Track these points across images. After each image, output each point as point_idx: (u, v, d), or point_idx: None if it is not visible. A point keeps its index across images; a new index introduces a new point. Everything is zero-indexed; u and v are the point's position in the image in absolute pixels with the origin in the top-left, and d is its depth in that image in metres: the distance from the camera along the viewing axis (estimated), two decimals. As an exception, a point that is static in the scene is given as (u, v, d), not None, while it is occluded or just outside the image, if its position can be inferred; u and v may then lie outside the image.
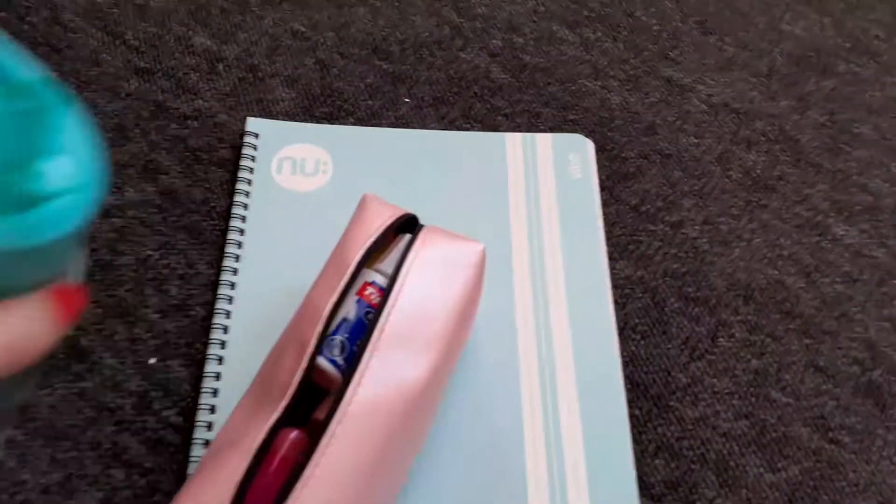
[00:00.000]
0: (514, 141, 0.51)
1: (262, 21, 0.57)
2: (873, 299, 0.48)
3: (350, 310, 0.37)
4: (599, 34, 0.59)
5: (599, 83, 0.56)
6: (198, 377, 0.42)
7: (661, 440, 0.43)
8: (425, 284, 0.37)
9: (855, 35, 0.62)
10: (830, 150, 0.55)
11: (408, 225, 0.40)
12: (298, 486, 0.30)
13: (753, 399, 0.44)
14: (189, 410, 0.42)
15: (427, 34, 0.58)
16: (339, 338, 0.36)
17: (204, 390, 0.41)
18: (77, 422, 0.41)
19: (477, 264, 0.38)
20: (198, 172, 0.49)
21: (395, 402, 0.33)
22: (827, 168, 0.54)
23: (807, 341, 0.46)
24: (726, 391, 0.44)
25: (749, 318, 0.47)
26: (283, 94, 0.53)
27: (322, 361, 0.35)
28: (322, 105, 0.53)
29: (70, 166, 0.21)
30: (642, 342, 0.46)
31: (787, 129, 0.56)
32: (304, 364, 0.33)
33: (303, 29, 0.57)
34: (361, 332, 0.36)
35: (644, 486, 0.41)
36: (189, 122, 0.51)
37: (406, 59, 0.56)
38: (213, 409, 0.41)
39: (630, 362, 0.45)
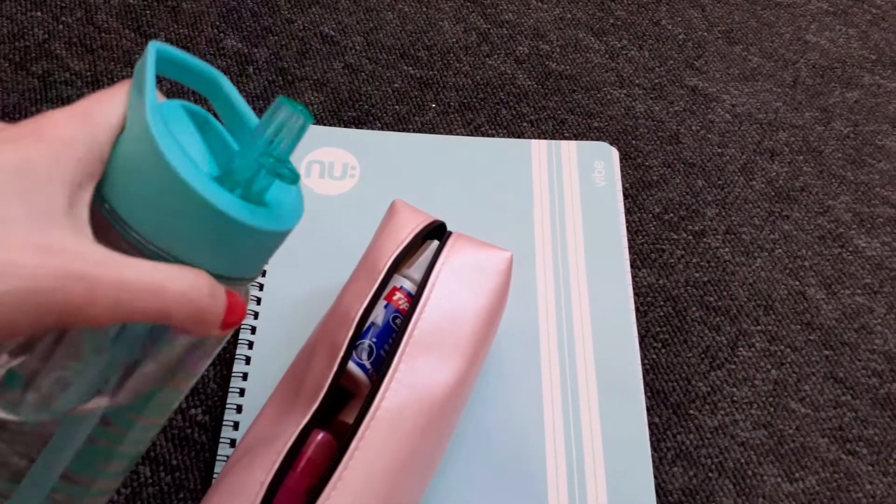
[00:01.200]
0: (539, 148, 0.52)
1: (291, 24, 0.58)
2: (894, 312, 0.48)
3: (378, 314, 0.38)
4: (625, 42, 0.60)
5: (624, 91, 0.57)
6: (225, 377, 0.43)
7: (680, 448, 0.43)
8: (453, 291, 0.37)
9: (881, 47, 0.62)
10: (853, 161, 0.55)
11: (436, 231, 0.41)
12: (328, 488, 0.31)
13: (772, 409, 0.45)
14: (215, 410, 0.42)
15: (454, 40, 0.58)
16: (367, 342, 0.37)
17: (231, 390, 0.42)
18: (108, 416, 0.42)
19: (504, 272, 0.39)
20: (227, 174, 0.50)
21: (423, 407, 0.34)
22: (850, 180, 0.54)
23: (826, 352, 0.47)
24: (745, 400, 0.45)
25: (769, 328, 0.47)
26: (312, 98, 0.54)
27: (351, 366, 0.36)
28: (350, 109, 0.54)
29: (293, 191, 0.29)
30: (663, 350, 0.46)
31: (811, 141, 0.56)
32: (335, 368, 0.34)
33: (332, 33, 0.57)
34: (389, 336, 0.37)
35: (662, 493, 0.42)
36: (219, 123, 0.52)
37: (433, 65, 0.57)
38: (239, 409, 0.42)
39: (651, 370, 0.45)
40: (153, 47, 0.25)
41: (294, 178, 0.26)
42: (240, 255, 0.26)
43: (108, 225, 0.25)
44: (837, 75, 0.60)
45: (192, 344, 0.28)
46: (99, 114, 0.24)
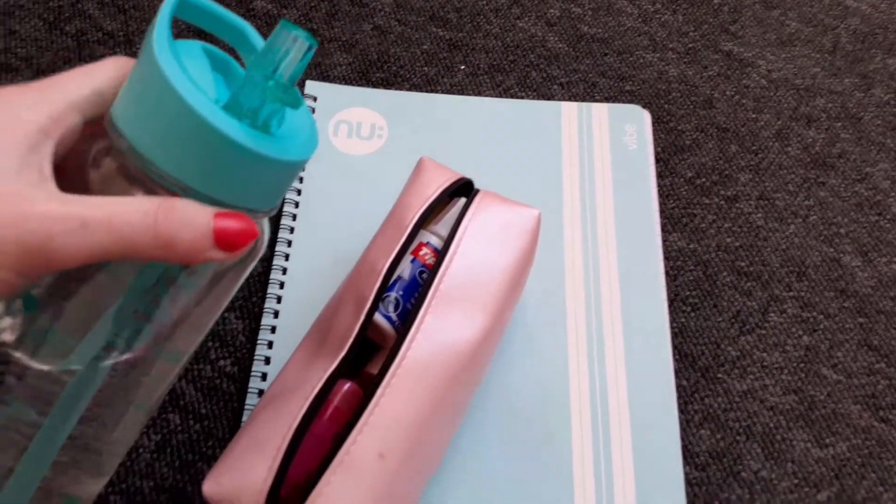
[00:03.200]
0: (569, 110, 0.51)
1: (321, -14, 0.57)
2: (932, 281, 0.47)
3: (405, 269, 0.38)
4: (658, 6, 0.59)
5: (657, 55, 0.56)
6: (253, 330, 0.44)
7: (708, 411, 0.43)
8: (480, 247, 0.37)
9: (924, 12, 0.60)
10: (894, 128, 0.54)
11: (463, 189, 0.41)
12: (353, 433, 0.31)
13: (803, 375, 0.44)
14: (244, 361, 0.43)
15: (485, 2, 0.58)
16: (393, 295, 0.37)
17: (259, 342, 0.43)
18: (138, 369, 0.43)
19: (532, 230, 0.39)
20: (257, 133, 0.50)
21: (448, 360, 0.34)
22: (890, 147, 0.53)
23: (861, 320, 0.46)
24: (776, 366, 0.44)
25: (802, 294, 0.47)
26: (341, 59, 0.54)
27: (377, 317, 0.36)
28: (378, 70, 0.54)
29: (306, 118, 0.29)
30: (692, 314, 0.46)
31: (850, 107, 0.54)
32: (361, 319, 0.34)
33: (361, -6, 0.57)
34: (415, 291, 0.37)
35: (688, 455, 0.41)
36: (249, 83, 0.52)
37: (463, 27, 0.56)
38: (267, 361, 0.42)
39: (679, 333, 0.45)
40: None
41: (296, 102, 0.26)
42: (249, 186, 0.26)
43: (124, 160, 0.25)
44: (879, 41, 0.58)
45: (209, 279, 0.28)
46: (64, 84, 0.25)
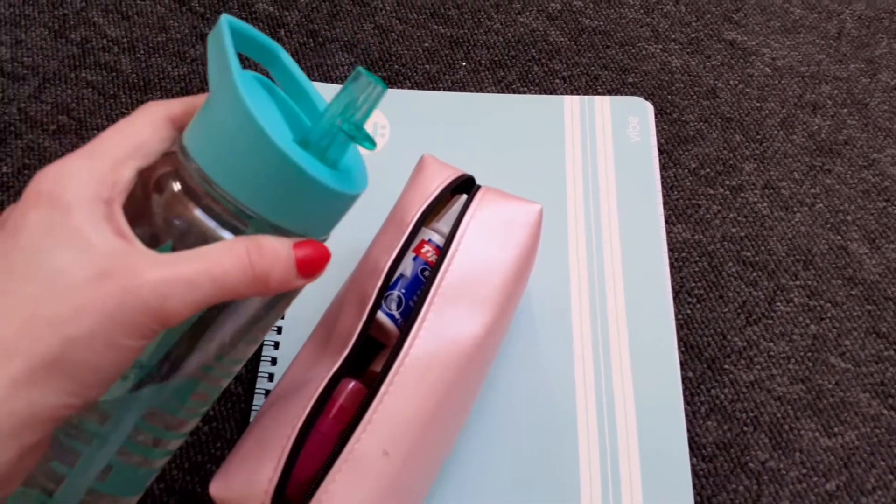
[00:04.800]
0: (572, 104, 0.51)
1: (322, -13, 0.58)
2: (941, 267, 0.47)
3: (407, 266, 0.38)
4: (660, -4, 0.58)
5: (660, 46, 0.56)
6: (261, 331, 0.44)
7: (714, 402, 0.43)
8: (482, 243, 0.37)
9: (931, -6, 0.59)
10: (901, 113, 0.53)
11: (465, 185, 0.41)
12: (357, 430, 0.32)
13: (811, 364, 0.44)
14: (251, 362, 0.43)
15: (485, -2, 0.58)
16: (396, 293, 0.37)
17: (266, 343, 0.43)
18: (149, 371, 0.43)
19: (534, 224, 0.39)
20: (261, 135, 0.51)
21: (451, 356, 0.34)
22: (896, 132, 0.52)
23: (869, 307, 0.46)
24: (783, 355, 0.44)
25: (809, 283, 0.46)
26: (343, 59, 0.54)
27: (380, 315, 0.36)
28: (380, 69, 0.54)
29: (357, 154, 0.31)
30: (698, 305, 0.45)
31: (856, 93, 0.54)
32: (364, 317, 0.34)
33: (362, -6, 0.57)
34: (417, 288, 0.37)
35: (695, 447, 0.41)
36: (252, 86, 0.53)
37: (464, 23, 0.56)
38: (273, 361, 0.43)
39: (685, 325, 0.45)
40: (226, 20, 0.27)
41: (372, 141, 0.28)
42: (313, 215, 0.28)
43: (202, 192, 0.27)
44: (885, 26, 0.58)
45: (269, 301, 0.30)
46: (105, 148, 0.26)
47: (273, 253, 0.26)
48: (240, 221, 0.27)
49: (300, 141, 0.28)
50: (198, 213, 0.27)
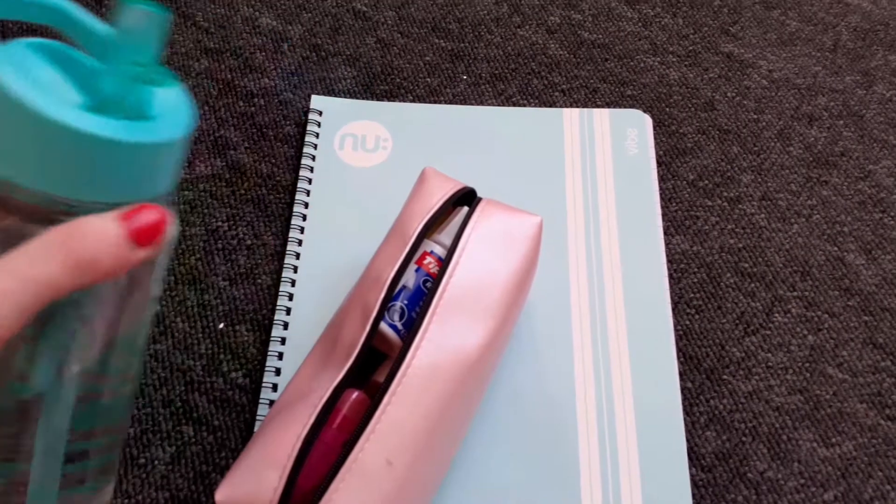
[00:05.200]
0: (571, 116, 0.52)
1: (324, 2, 0.58)
2: (937, 277, 0.47)
3: (409, 278, 0.38)
4: (658, 10, 0.59)
5: (658, 59, 0.56)
6: (264, 341, 0.45)
7: (713, 413, 0.43)
8: (483, 255, 0.38)
9: (926, 8, 0.60)
10: (896, 125, 0.54)
11: (466, 198, 0.42)
12: (361, 440, 0.32)
13: (808, 374, 0.44)
14: (255, 373, 0.44)
15: (486, 12, 0.58)
16: (398, 304, 0.38)
17: (270, 353, 0.44)
18: (151, 381, 0.44)
19: (534, 236, 0.39)
20: (264, 148, 0.51)
21: (453, 367, 0.35)
22: (892, 143, 0.53)
23: (865, 318, 0.46)
24: (780, 366, 0.44)
25: (806, 294, 0.47)
26: (345, 73, 0.55)
27: (383, 326, 0.37)
28: (382, 83, 0.54)
29: (178, 94, 0.27)
30: (697, 316, 0.46)
31: (852, 105, 0.55)
32: (367, 329, 0.35)
33: (364, 9, 0.58)
34: (420, 299, 0.38)
35: (694, 457, 0.42)
36: (256, 99, 0.53)
37: (465, 37, 0.57)
38: (278, 372, 0.43)
39: (684, 336, 0.45)
40: None
41: (164, 81, 0.25)
42: (139, 177, 0.25)
43: (5, 196, 0.24)
44: (880, 38, 0.58)
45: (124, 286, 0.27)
46: None
47: (96, 233, 0.23)
48: (61, 213, 0.24)
49: (96, 103, 0.24)
50: (9, 222, 0.24)
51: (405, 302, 0.38)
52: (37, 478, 0.28)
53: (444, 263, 0.37)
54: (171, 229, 0.26)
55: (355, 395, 0.36)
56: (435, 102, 0.54)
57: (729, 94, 0.55)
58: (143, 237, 0.24)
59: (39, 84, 0.23)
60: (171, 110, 0.26)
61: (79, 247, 0.23)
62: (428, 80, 0.55)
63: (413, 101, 0.54)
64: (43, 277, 0.22)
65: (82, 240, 0.23)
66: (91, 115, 0.23)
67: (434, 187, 0.40)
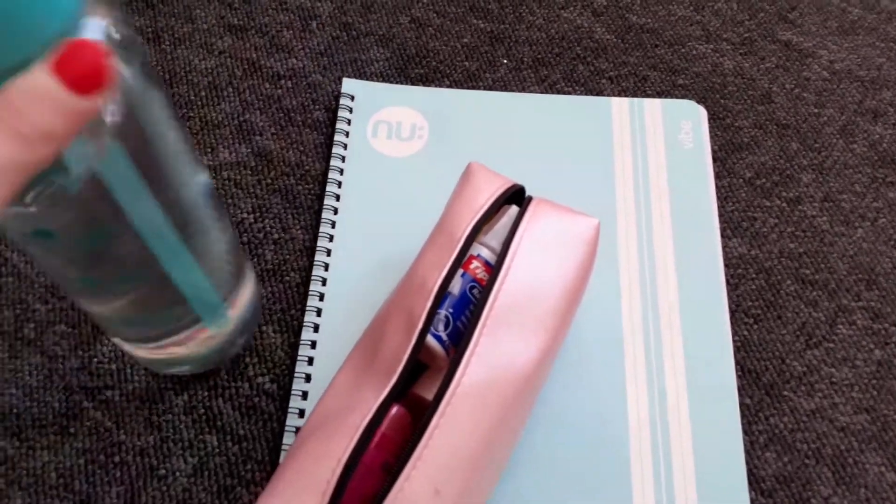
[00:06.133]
0: (620, 106, 0.49)
1: (356, -24, 0.55)
2: None
3: (454, 284, 0.35)
4: (711, -7, 0.55)
5: (711, 46, 0.53)
6: (293, 344, 0.42)
7: (774, 432, 0.40)
8: (535, 261, 0.35)
9: None
10: (966, 123, 0.50)
11: (515, 196, 0.38)
12: (408, 467, 0.29)
13: (875, 392, 0.41)
14: (283, 378, 0.41)
15: (527, -9, 0.55)
16: (443, 312, 0.35)
17: (300, 358, 0.41)
18: (172, 386, 0.41)
19: (590, 241, 0.36)
20: (292, 134, 0.48)
21: (505, 385, 0.32)
22: (962, 143, 0.49)
23: (936, 332, 0.43)
24: (845, 382, 0.41)
25: (872, 304, 0.44)
26: (378, 54, 0.51)
27: (428, 338, 0.34)
28: (417, 66, 0.51)
29: None
30: (755, 326, 0.43)
31: (918, 100, 0.51)
32: (413, 341, 0.32)
33: (398, -15, 0.54)
34: (465, 307, 0.35)
35: (754, 480, 0.39)
36: (283, 81, 0.50)
37: (505, 18, 0.53)
38: (308, 378, 0.40)
39: (742, 347, 0.42)
40: None
41: None
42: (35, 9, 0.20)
43: None
44: (948, 28, 0.55)
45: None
46: None
47: (31, 97, 0.20)
48: None
49: None
50: None
51: (450, 310, 0.35)
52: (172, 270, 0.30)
53: (493, 270, 0.34)
54: (113, 61, 0.21)
55: (395, 409, 0.33)
56: (473, 88, 0.50)
57: (787, 86, 0.51)
58: (86, 83, 0.20)
59: None
60: None
61: (18, 119, 0.19)
62: (466, 63, 0.51)
63: (450, 86, 0.50)
64: (2, 163, 0.19)
65: (19, 110, 0.19)
66: None
67: (481, 184, 0.37)
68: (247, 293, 0.39)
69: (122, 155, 0.25)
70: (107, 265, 0.29)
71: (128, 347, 0.37)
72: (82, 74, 0.20)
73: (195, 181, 0.31)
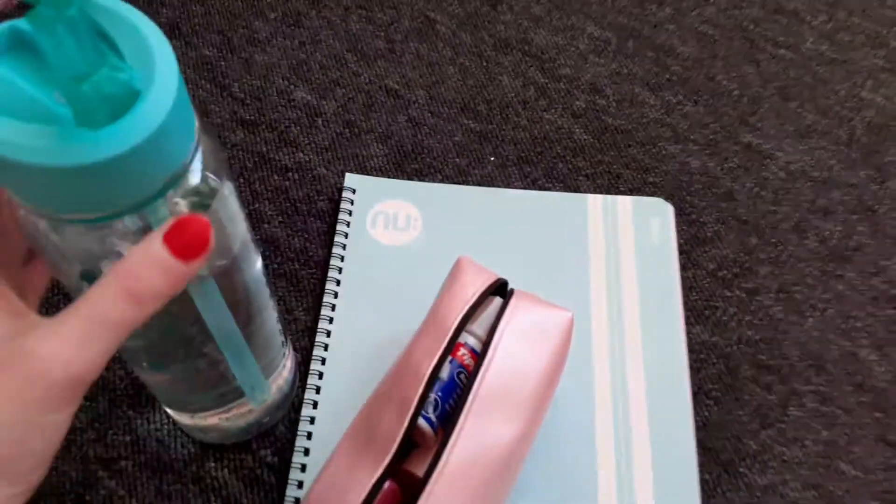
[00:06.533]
0: (595, 202, 0.54)
1: (358, 78, 0.60)
2: (948, 376, 0.49)
3: (444, 369, 0.40)
4: (680, 97, 0.61)
5: (679, 146, 0.58)
6: (293, 420, 0.46)
7: (731, 506, 0.44)
8: (516, 350, 0.39)
9: (936, 104, 0.62)
10: (908, 221, 0.56)
11: (498, 288, 0.43)
12: (399, 540, 0.33)
13: (822, 470, 0.45)
14: (284, 451, 0.45)
15: (513, 94, 0.60)
16: (432, 395, 0.39)
17: (299, 433, 0.45)
18: (181, 456, 0.45)
19: (565, 331, 0.41)
20: (297, 223, 0.53)
21: (488, 462, 0.36)
22: (904, 240, 0.55)
23: (877, 415, 0.47)
24: (795, 461, 0.46)
25: (821, 388, 0.48)
26: (377, 150, 0.57)
27: (419, 420, 0.38)
28: (412, 161, 0.56)
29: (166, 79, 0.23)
30: (715, 408, 0.47)
31: (865, 199, 0.57)
32: (406, 423, 0.36)
33: (396, 87, 0.60)
34: (453, 391, 0.39)
35: (713, 551, 0.43)
36: (290, 174, 0.55)
37: (493, 119, 0.59)
38: (307, 452, 0.44)
39: (702, 427, 0.46)
40: None
41: (119, 78, 0.21)
42: (128, 185, 0.23)
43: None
44: (893, 133, 0.60)
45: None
46: None
47: (145, 262, 0.24)
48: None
49: (78, 108, 0.21)
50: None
51: (439, 394, 0.39)
52: (232, 359, 0.34)
53: (479, 358, 0.38)
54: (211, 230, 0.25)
55: (387, 485, 0.37)
56: (463, 183, 0.55)
57: (748, 185, 0.57)
58: (190, 251, 0.24)
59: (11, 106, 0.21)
60: (160, 76, 0.23)
61: (133, 281, 0.24)
62: (457, 160, 0.57)
63: (442, 180, 0.55)
64: (111, 317, 0.23)
65: (134, 273, 0.24)
66: (65, 142, 0.21)
67: (470, 279, 0.42)
68: (286, 371, 0.43)
69: (213, 286, 0.30)
70: (171, 348, 0.34)
71: (174, 414, 0.42)
72: (188, 244, 0.24)
73: (256, 267, 0.35)
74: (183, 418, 0.42)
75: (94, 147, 0.21)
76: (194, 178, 0.26)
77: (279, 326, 0.40)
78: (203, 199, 0.27)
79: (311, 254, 0.52)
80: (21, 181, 0.22)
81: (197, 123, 0.26)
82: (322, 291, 0.50)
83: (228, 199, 0.29)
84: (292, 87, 0.60)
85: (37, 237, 0.26)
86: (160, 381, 0.37)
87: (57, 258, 0.27)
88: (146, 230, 0.25)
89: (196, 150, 0.25)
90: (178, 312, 0.30)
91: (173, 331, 0.32)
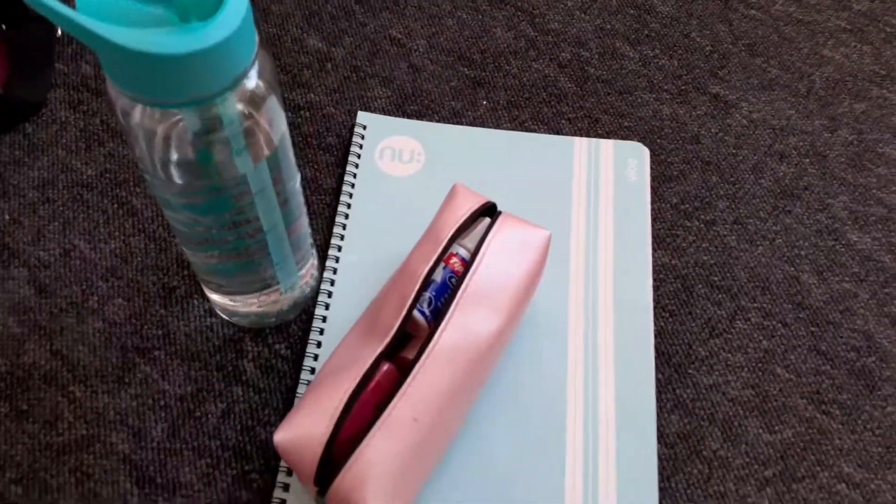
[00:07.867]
0: (581, 145, 0.61)
1: (364, 28, 0.67)
2: (876, 298, 0.56)
3: (437, 273, 0.47)
4: (657, 52, 0.68)
5: (653, 95, 0.65)
6: (305, 321, 0.53)
7: (678, 400, 0.52)
8: (500, 259, 0.46)
9: (891, 63, 0.69)
10: (854, 166, 0.62)
11: (488, 210, 0.50)
12: (395, 398, 0.41)
13: (760, 373, 0.53)
14: (297, 346, 0.52)
15: (505, 45, 0.67)
16: (427, 294, 0.46)
17: (313, 329, 0.52)
18: (207, 348, 0.52)
19: (542, 247, 0.48)
20: (308, 155, 0.60)
21: (470, 348, 0.43)
22: (849, 182, 0.61)
23: (812, 329, 0.55)
24: (738, 365, 0.53)
25: (765, 306, 0.55)
26: (381, 93, 0.63)
27: (415, 312, 0.45)
28: (412, 103, 0.63)
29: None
30: (670, 319, 0.55)
31: (818, 146, 0.63)
32: (403, 314, 0.43)
33: (399, 36, 0.66)
34: (444, 292, 0.46)
35: (661, 436, 0.50)
36: (302, 112, 0.62)
37: (486, 67, 0.65)
38: (318, 344, 0.51)
39: (658, 335, 0.54)
40: None
41: None
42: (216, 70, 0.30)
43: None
44: (848, 88, 0.67)
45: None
46: None
47: None
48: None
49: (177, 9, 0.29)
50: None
51: (433, 293, 0.46)
52: (274, 247, 0.43)
53: (467, 264, 0.45)
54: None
55: (387, 366, 0.44)
56: (457, 123, 0.62)
57: (713, 130, 0.63)
58: None
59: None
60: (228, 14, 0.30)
61: None
62: (452, 103, 0.63)
63: (439, 121, 0.62)
64: None
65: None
66: (162, 36, 0.28)
67: (463, 200, 0.49)
68: (309, 273, 0.51)
69: (265, 169, 0.38)
70: (226, 226, 0.41)
71: (213, 296, 0.50)
72: None
73: (296, 182, 0.44)
74: (224, 300, 0.50)
75: (199, 37, 0.28)
76: (251, 82, 0.33)
77: (309, 231, 0.49)
78: (257, 101, 0.34)
79: (320, 182, 0.59)
80: (136, 73, 0.29)
81: (256, 36, 0.33)
82: (332, 215, 0.57)
83: (274, 103, 0.37)
84: (305, 35, 0.66)
85: (130, 125, 0.33)
86: (207, 261, 0.45)
87: (143, 143, 0.34)
88: (204, 131, 0.32)
89: (255, 58, 0.32)
90: (236, 195, 0.38)
91: (227, 207, 0.39)
